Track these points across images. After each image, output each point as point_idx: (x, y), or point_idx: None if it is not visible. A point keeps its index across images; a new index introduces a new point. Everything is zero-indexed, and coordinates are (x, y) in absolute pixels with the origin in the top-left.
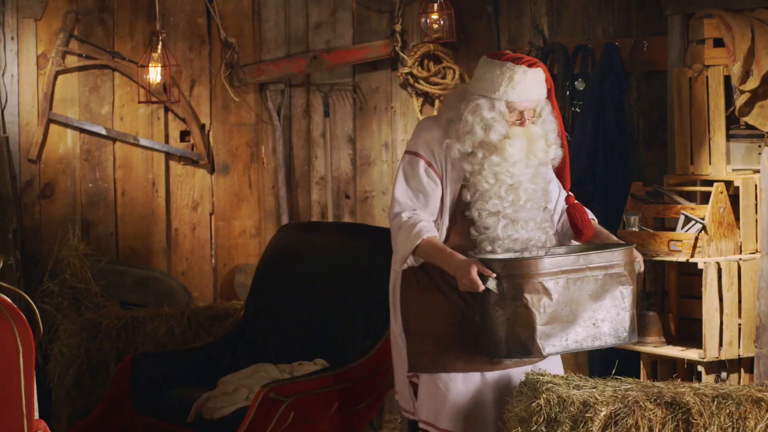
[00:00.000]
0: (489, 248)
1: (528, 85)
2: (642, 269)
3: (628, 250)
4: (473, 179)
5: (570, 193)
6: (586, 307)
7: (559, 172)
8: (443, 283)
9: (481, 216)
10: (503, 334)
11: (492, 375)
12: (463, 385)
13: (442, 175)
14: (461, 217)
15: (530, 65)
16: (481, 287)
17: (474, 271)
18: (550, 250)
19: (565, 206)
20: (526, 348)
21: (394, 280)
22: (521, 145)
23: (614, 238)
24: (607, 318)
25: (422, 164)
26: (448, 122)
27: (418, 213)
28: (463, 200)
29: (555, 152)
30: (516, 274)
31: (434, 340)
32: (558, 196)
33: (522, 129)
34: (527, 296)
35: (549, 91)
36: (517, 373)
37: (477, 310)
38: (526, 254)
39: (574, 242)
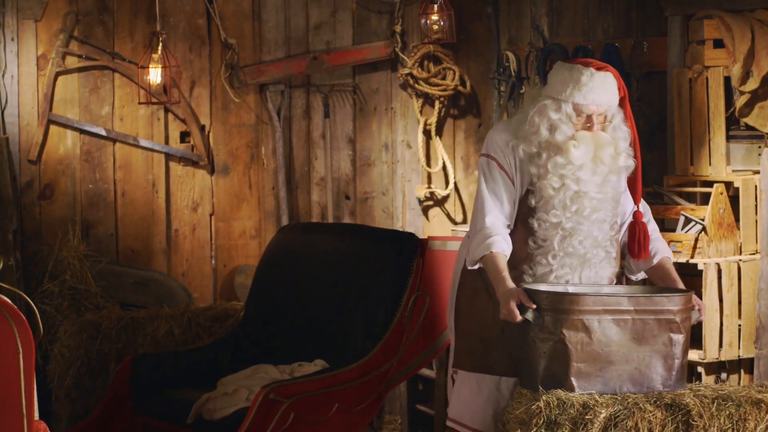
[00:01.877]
0: (543, 261)
1: (595, 87)
2: (702, 318)
3: (684, 297)
4: (539, 183)
5: (639, 209)
6: (630, 350)
7: (630, 184)
8: (490, 285)
9: (541, 227)
10: (540, 367)
11: None
12: (496, 388)
13: (513, 177)
14: (522, 224)
15: (598, 69)
16: (518, 318)
17: (513, 302)
18: (605, 287)
19: (631, 221)
20: (560, 383)
21: (454, 277)
22: (587, 148)
23: (676, 279)
24: (652, 364)
25: (495, 166)
26: (518, 124)
27: (499, 223)
28: (528, 206)
29: (625, 161)
30: (557, 308)
31: (479, 342)
32: (628, 210)
33: (589, 134)
34: (565, 332)
35: (622, 99)
36: None
37: (522, 340)
38: (572, 288)
39: (634, 275)
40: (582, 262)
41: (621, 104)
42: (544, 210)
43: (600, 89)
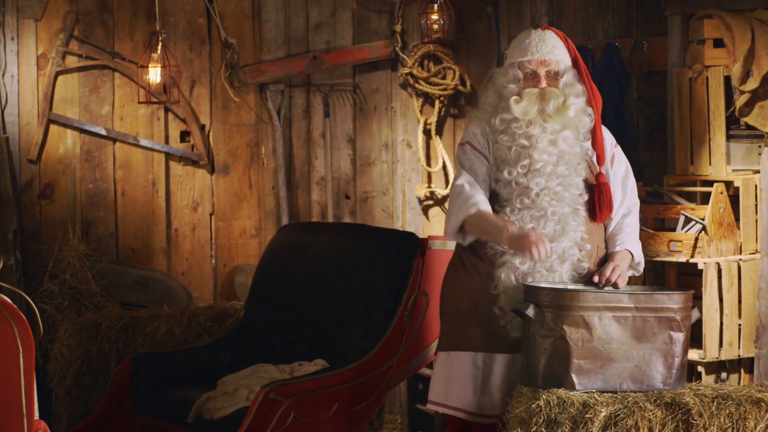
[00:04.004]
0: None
1: (534, 43)
2: (699, 316)
3: (684, 295)
4: (495, 145)
5: (601, 171)
6: (630, 347)
7: (594, 146)
8: (469, 264)
9: (500, 186)
10: (541, 364)
11: (501, 356)
12: (473, 364)
13: (486, 155)
14: (492, 194)
15: (539, 28)
16: (548, 245)
17: (533, 235)
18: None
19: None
20: (560, 380)
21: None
22: (530, 103)
23: (610, 263)
24: (652, 361)
25: (468, 148)
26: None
27: (478, 190)
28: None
29: (578, 116)
30: (558, 304)
31: (455, 320)
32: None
33: (536, 89)
34: (566, 328)
35: (575, 60)
36: None
37: (522, 337)
38: (572, 285)
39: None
40: (542, 215)
41: (574, 65)
42: (500, 170)
43: (540, 44)
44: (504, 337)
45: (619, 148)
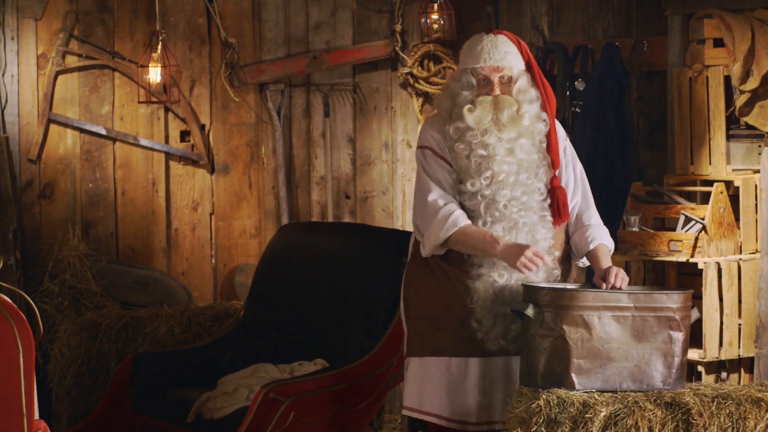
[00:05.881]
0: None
1: (486, 48)
2: (699, 316)
3: (683, 295)
4: (452, 154)
5: (556, 175)
6: (630, 347)
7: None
8: (437, 268)
9: (465, 197)
10: (540, 364)
11: (475, 360)
12: (447, 369)
13: (449, 160)
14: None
15: (494, 34)
16: (545, 258)
17: (530, 250)
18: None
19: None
20: (560, 380)
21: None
22: (484, 111)
23: (602, 265)
24: (652, 361)
25: (429, 153)
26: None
27: (453, 203)
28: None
29: (532, 123)
30: (557, 304)
31: (425, 324)
32: (576, 206)
33: (490, 97)
34: (565, 327)
35: (528, 63)
36: (500, 360)
37: (520, 337)
38: (571, 285)
39: (577, 260)
40: (513, 226)
41: (528, 69)
42: (462, 180)
43: (492, 50)
44: (477, 342)
45: (568, 140)
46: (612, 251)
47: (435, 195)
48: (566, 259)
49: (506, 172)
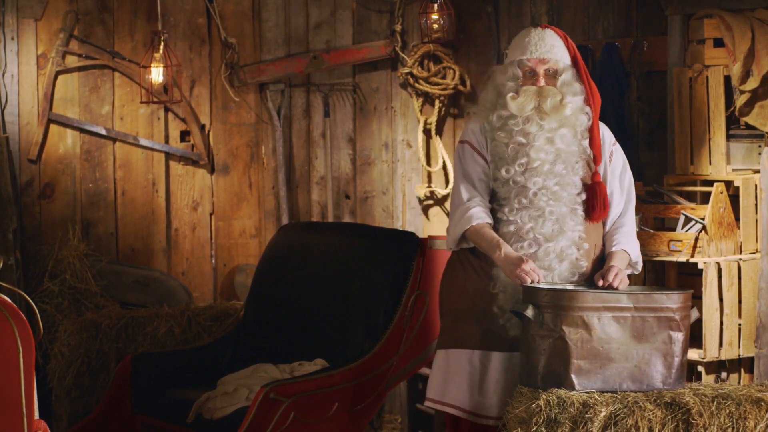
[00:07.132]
0: (503, 218)
1: (533, 42)
2: (698, 316)
3: (683, 295)
4: (493, 143)
5: (597, 171)
6: (629, 347)
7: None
8: (466, 262)
9: (498, 185)
10: (540, 364)
11: (498, 355)
12: (468, 362)
13: (485, 155)
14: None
15: (538, 27)
16: (535, 277)
17: (526, 265)
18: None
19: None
20: (560, 381)
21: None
22: (527, 99)
23: (610, 266)
24: (652, 361)
25: (467, 147)
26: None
27: (477, 199)
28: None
29: (575, 114)
30: (557, 305)
31: (453, 318)
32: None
33: (534, 87)
34: (565, 328)
35: (574, 58)
36: None
37: (521, 337)
38: (570, 286)
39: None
40: (540, 214)
41: (573, 64)
42: (498, 168)
43: (539, 43)
44: (501, 336)
45: (618, 145)
46: (638, 264)
47: (462, 189)
48: (601, 260)
49: (542, 160)
